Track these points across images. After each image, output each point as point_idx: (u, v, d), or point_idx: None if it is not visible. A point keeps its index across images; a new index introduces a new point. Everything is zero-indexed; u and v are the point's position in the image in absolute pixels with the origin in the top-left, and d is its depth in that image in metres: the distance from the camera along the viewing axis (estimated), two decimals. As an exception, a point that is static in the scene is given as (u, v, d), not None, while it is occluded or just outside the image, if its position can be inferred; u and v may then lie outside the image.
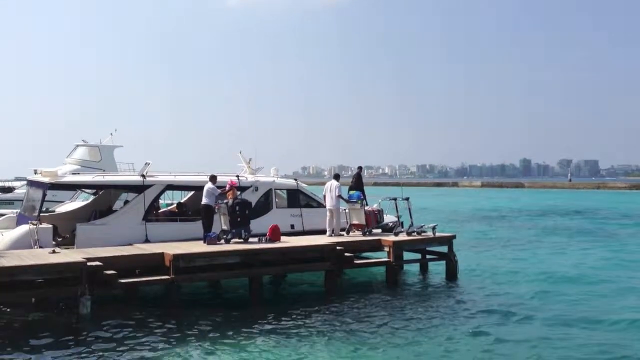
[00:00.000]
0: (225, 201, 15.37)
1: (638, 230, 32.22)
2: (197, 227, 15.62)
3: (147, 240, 15.16)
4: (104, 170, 22.04)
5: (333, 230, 16.88)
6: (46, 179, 15.47)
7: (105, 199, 17.91)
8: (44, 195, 15.27)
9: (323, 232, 17.24)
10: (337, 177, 17.84)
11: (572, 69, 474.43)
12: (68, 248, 14.39)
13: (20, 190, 26.68)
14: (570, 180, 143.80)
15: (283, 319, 12.21)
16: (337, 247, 15.07)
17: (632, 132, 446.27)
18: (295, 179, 19.40)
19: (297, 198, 18.07)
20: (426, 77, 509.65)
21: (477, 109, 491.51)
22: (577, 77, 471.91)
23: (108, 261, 12.41)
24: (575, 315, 12.75)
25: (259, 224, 15.95)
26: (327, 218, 17.01)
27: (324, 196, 17.20)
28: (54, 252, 12.84)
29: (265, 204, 17.53)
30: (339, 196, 16.95)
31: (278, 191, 18.05)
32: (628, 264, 20.18)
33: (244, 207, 15.32)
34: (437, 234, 17.28)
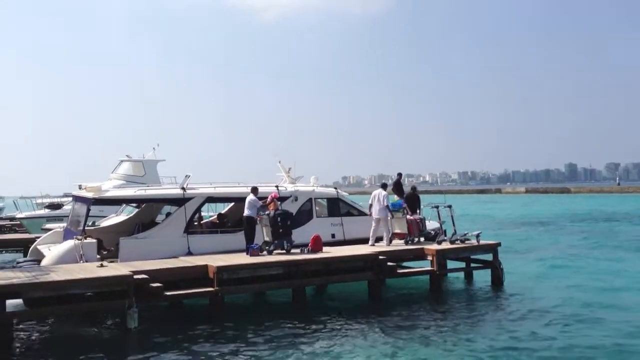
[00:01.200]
0: (267, 212, 15.45)
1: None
2: (238, 238, 15.74)
3: (189, 252, 15.35)
4: (147, 185, 22.48)
5: (377, 240, 16.73)
6: (90, 194, 15.86)
7: (147, 213, 18.26)
8: (88, 210, 15.64)
9: (364, 241, 17.12)
10: (384, 186, 17.64)
11: (618, 69, 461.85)
12: (112, 261, 14.70)
13: (69, 206, 27.45)
14: (619, 184, 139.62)
15: (326, 329, 12.16)
16: (380, 257, 14.95)
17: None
18: (335, 188, 19.37)
19: (337, 207, 18.03)
20: (465, 82, 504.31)
21: (519, 113, 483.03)
22: (622, 77, 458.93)
23: (154, 274, 12.59)
24: (628, 329, 12.24)
25: (299, 234, 15.97)
26: (372, 227, 16.83)
27: (370, 205, 17.03)
28: (101, 265, 13.12)
29: (305, 214, 17.55)
30: (387, 206, 16.77)
31: (318, 200, 18.05)
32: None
33: (285, 218, 15.36)
34: (482, 242, 16.97)
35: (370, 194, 17.49)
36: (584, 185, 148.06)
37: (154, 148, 31.12)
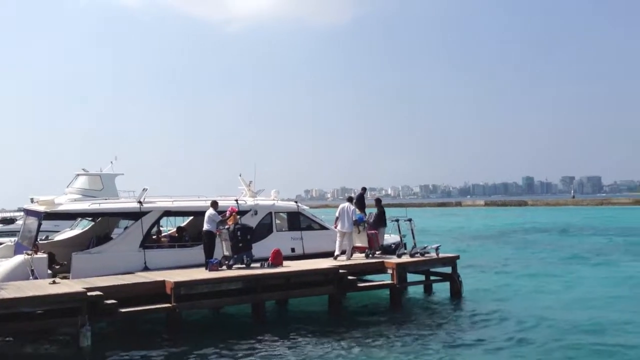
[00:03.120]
0: (226, 227, 15.27)
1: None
2: (196, 252, 15.51)
3: (145, 268, 15.04)
4: (106, 199, 21.99)
5: (342, 253, 16.71)
6: (42, 208, 15.40)
7: (102, 227, 17.83)
8: (40, 224, 15.19)
9: (325, 255, 17.10)
10: (350, 199, 17.70)
11: (573, 84, 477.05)
12: (65, 276, 14.28)
13: (22, 221, 26.63)
14: (573, 197, 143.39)
15: (287, 344, 12.05)
16: (340, 271, 14.92)
17: (634, 147, 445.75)
18: (296, 202, 19.31)
19: (297, 221, 17.95)
20: (427, 97, 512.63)
21: (478, 128, 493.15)
22: (578, 92, 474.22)
23: (108, 290, 12.26)
24: (580, 339, 12.46)
25: (259, 248, 15.82)
26: (338, 240, 16.84)
27: (337, 218, 17.02)
28: (54, 282, 12.72)
29: (265, 227, 17.42)
30: (355, 221, 16.88)
31: (279, 214, 17.96)
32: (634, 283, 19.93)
33: (245, 232, 15.21)
34: (441, 255, 17.13)
35: (333, 207, 17.50)
36: (541, 199, 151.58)
37: (111, 162, 30.45)
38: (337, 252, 16.73)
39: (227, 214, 15.49)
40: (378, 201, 19.06)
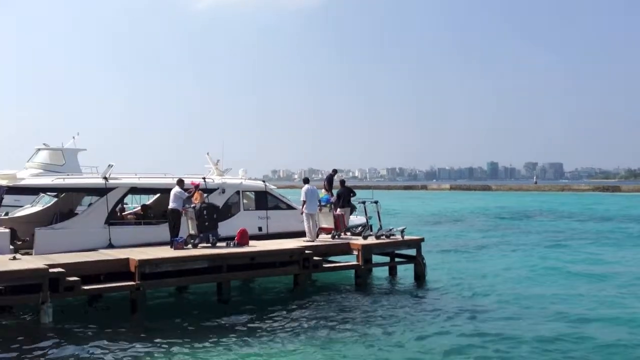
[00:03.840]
0: (192, 205, 15.16)
1: (596, 230, 32.98)
2: (162, 230, 15.39)
3: (110, 245, 14.89)
4: (67, 174, 21.56)
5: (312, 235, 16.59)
6: (4, 182, 15.05)
7: (66, 202, 17.52)
8: (1, 198, 14.85)
9: (292, 234, 17.17)
10: (307, 181, 17.60)
11: (538, 72, 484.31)
12: (27, 252, 14.01)
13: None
14: (536, 182, 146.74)
15: (251, 323, 12.10)
16: (306, 251, 15.01)
17: (595, 135, 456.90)
18: (264, 181, 19.31)
19: (265, 200, 17.95)
20: (395, 80, 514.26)
21: (445, 112, 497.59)
22: (542, 80, 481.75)
23: (71, 267, 12.10)
24: (537, 317, 12.89)
25: (226, 226, 15.80)
26: (308, 223, 16.58)
27: (303, 201, 16.75)
28: (14, 258, 12.47)
29: (232, 206, 17.40)
30: (303, 201, 16.72)
31: (246, 193, 17.91)
32: (586, 264, 20.58)
33: (211, 211, 15.13)
34: (406, 237, 17.35)
35: (300, 187, 17.50)
36: (505, 183, 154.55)
37: (73, 137, 29.83)
38: (308, 235, 16.49)
39: (192, 190, 15.35)
40: (342, 182, 19.17)
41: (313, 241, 16.18)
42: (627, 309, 13.65)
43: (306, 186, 17.03)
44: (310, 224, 16.57)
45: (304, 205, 16.71)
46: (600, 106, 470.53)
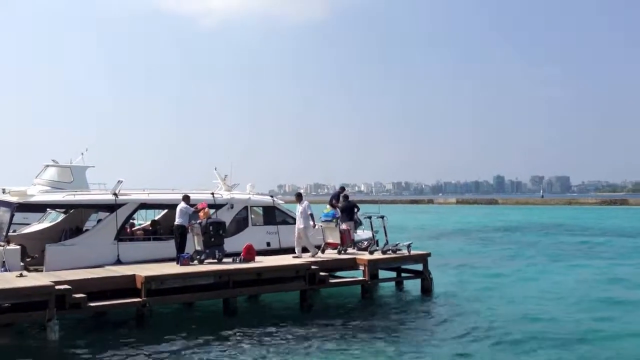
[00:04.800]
0: (198, 221, 15.19)
1: (606, 245, 32.77)
2: (170, 246, 15.42)
3: (118, 260, 14.93)
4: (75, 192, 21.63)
5: (302, 250, 16.43)
6: (14, 199, 15.14)
7: (75, 219, 17.60)
8: (12, 215, 14.94)
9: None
10: (299, 195, 17.37)
11: (544, 85, 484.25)
12: (37, 269, 14.06)
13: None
14: (542, 196, 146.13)
15: (258, 339, 12.06)
16: (312, 267, 14.98)
17: (601, 148, 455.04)
18: (272, 196, 19.35)
19: (273, 215, 17.98)
20: (401, 94, 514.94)
21: (451, 126, 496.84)
22: (547, 93, 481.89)
23: (77, 284, 12.12)
24: (545, 335, 12.74)
25: (235, 241, 15.86)
26: (295, 238, 16.51)
27: (311, 215, 16.68)
28: (21, 275, 12.51)
29: (241, 221, 17.43)
30: (310, 215, 16.60)
31: (254, 208, 17.95)
32: (602, 281, 20.41)
33: (217, 227, 15.16)
34: (412, 252, 17.30)
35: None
36: (511, 197, 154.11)
37: (82, 153, 29.92)
38: (297, 250, 16.29)
39: (199, 207, 15.40)
40: (346, 197, 19.14)
41: (297, 257, 16.04)
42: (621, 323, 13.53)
43: (306, 202, 16.92)
44: (296, 238, 16.48)
45: (307, 221, 16.51)
46: (607, 119, 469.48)
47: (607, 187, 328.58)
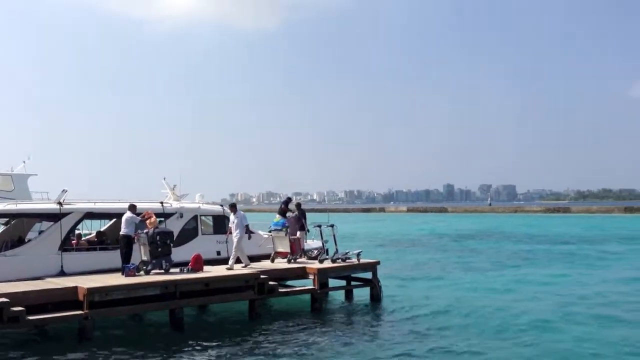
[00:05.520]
0: (145, 231, 14.89)
1: (549, 252, 33.84)
2: (117, 256, 15.05)
3: (62, 272, 14.52)
4: (17, 200, 20.91)
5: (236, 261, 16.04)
6: None
7: (17, 229, 16.98)
8: None
9: (251, 258, 17.03)
10: (233, 206, 16.97)
11: (492, 96, 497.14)
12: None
13: None
14: (490, 204, 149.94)
15: (205, 351, 11.88)
16: (261, 276, 14.89)
17: (546, 158, 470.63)
18: (222, 205, 19.17)
19: (223, 224, 17.81)
20: (352, 103, 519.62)
21: (401, 134, 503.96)
22: (496, 103, 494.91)
23: (15, 297, 11.67)
24: (489, 339, 13.06)
25: (185, 251, 15.68)
26: (234, 247, 16.10)
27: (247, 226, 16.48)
28: (-46, 289, 11.96)
29: (190, 231, 17.22)
30: (247, 226, 16.32)
31: (204, 217, 17.76)
32: (536, 284, 21.05)
33: (165, 237, 14.90)
34: (362, 261, 17.42)
35: (258, 211, 17.42)
36: (460, 205, 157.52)
37: (24, 161, 29.05)
38: (230, 262, 15.88)
39: (144, 216, 15.09)
40: (298, 206, 19.19)
41: (232, 268, 15.67)
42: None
43: (241, 212, 16.65)
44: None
45: (242, 231, 16.20)
46: (552, 129, 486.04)
47: (551, 195, 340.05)
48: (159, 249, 14.68)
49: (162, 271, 14.60)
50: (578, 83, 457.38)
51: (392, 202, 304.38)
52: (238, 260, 16.12)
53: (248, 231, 16.50)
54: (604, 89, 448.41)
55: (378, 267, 17.51)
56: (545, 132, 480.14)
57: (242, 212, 16.66)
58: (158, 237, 14.72)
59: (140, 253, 14.92)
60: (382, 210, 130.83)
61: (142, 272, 14.39)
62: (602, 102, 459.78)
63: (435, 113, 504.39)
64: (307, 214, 18.57)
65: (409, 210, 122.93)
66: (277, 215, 18.35)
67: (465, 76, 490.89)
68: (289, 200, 19.92)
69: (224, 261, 16.79)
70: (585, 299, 17.94)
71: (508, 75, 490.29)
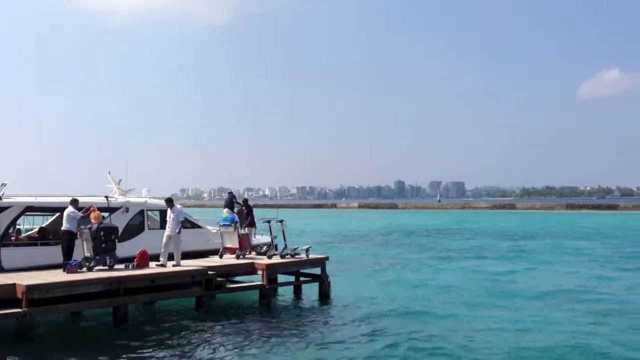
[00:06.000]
0: (88, 226, 14.47)
1: (491, 247, 34.77)
2: (59, 252, 14.54)
3: (0, 268, 13.94)
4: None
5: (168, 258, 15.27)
6: None
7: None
8: None
9: (198, 254, 16.87)
10: (170, 201, 16.22)
11: (441, 94, 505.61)
12: None
13: None
14: (439, 201, 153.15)
15: (150, 350, 11.63)
16: (209, 272, 14.72)
17: (492, 155, 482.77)
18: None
19: None
20: (305, 99, 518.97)
21: (354, 131, 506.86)
22: (446, 101, 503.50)
23: (-53, 295, 11.16)
24: (436, 332, 13.32)
25: (130, 246, 15.32)
26: (163, 244, 15.45)
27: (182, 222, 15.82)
28: None
29: (136, 226, 16.85)
30: (182, 221, 15.69)
31: (150, 212, 17.40)
32: (488, 281, 21.60)
33: (109, 232, 14.50)
34: (311, 256, 17.45)
35: (210, 206, 17.21)
36: (411, 202, 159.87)
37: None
38: (161, 258, 15.24)
39: (86, 211, 14.68)
40: (245, 201, 19.15)
41: (164, 265, 14.97)
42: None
43: (179, 207, 16.06)
44: (164, 243, 15.47)
45: (177, 227, 15.49)
46: (500, 129, 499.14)
47: (498, 192, 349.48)
48: (103, 245, 14.28)
49: (106, 267, 14.23)
50: (527, 84, 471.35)
51: (343, 198, 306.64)
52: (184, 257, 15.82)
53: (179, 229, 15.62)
54: (552, 90, 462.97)
55: (327, 263, 17.59)
56: (494, 132, 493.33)
57: (179, 207, 16.04)
58: (102, 233, 14.32)
59: (83, 249, 14.50)
60: (333, 206, 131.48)
61: (84, 269, 13.99)
62: (550, 103, 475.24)
63: (388, 111, 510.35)
64: (256, 210, 18.50)
65: (360, 207, 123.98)
66: (225, 210, 18.17)
67: (417, 76, 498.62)
68: (231, 194, 19.83)
69: (171, 257, 16.51)
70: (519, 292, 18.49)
71: (459, 75, 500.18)
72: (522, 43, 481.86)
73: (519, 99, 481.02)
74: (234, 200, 19.36)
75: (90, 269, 14.00)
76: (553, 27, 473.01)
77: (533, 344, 12.19)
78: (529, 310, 15.73)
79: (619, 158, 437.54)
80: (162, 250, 15.42)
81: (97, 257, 14.20)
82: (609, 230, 49.58)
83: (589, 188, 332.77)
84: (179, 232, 15.52)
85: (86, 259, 14.24)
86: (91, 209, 14.70)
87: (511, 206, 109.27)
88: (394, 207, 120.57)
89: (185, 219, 17.91)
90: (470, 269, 24.51)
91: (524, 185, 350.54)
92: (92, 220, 14.52)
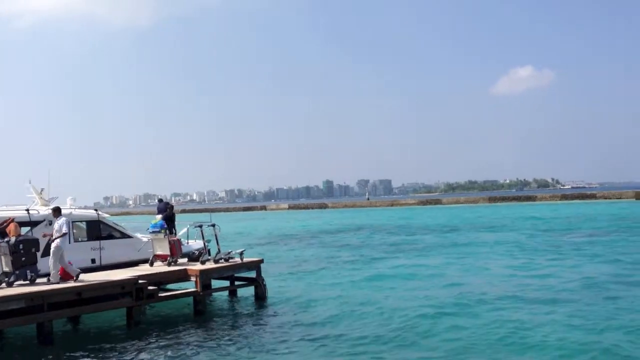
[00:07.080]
0: (6, 239, 13.58)
1: (421, 242, 35.59)
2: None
3: None
4: None
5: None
6: None
7: None
8: None
9: (128, 264, 16.32)
10: (57, 210, 14.42)
11: (368, 92, 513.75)
12: None
13: None
14: (368, 199, 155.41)
15: (78, 366, 11.04)
16: (139, 281, 14.16)
17: (418, 152, 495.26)
18: (96, 209, 18.06)
19: (98, 229, 16.79)
20: (231, 101, 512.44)
21: (280, 133, 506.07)
22: (376, 102, 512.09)
23: None
24: (370, 332, 13.38)
25: None
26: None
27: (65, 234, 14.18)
28: None
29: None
30: (64, 234, 13.91)
31: (76, 223, 16.61)
32: (425, 277, 22.02)
33: (29, 245, 13.67)
34: (245, 259, 17.16)
35: (136, 214, 16.68)
36: (340, 201, 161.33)
37: None
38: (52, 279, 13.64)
39: (4, 223, 13.79)
40: (171, 208, 18.81)
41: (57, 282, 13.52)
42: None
43: (64, 218, 14.31)
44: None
45: (63, 240, 13.91)
46: (422, 126, 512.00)
47: (423, 188, 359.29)
48: (23, 259, 13.46)
49: (27, 282, 13.40)
50: (445, 82, 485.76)
51: (273, 200, 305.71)
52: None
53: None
54: (469, 87, 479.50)
55: (262, 265, 17.34)
56: (417, 129, 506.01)
57: (65, 219, 14.26)
58: (21, 246, 13.49)
59: (1, 264, 13.59)
60: (263, 208, 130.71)
61: (3, 285, 13.11)
62: (467, 100, 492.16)
63: (314, 110, 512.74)
64: (187, 215, 18.01)
65: (290, 208, 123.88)
66: (157, 216, 17.64)
67: (342, 71, 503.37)
68: (160, 201, 19.39)
69: (100, 269, 15.88)
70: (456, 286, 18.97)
71: (377, 75, 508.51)
72: (438, 42, 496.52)
73: (438, 96, 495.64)
74: (169, 207, 18.95)
75: (9, 285, 13.15)
76: (466, 26, 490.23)
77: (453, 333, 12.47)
78: (450, 298, 16.13)
79: (536, 151, 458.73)
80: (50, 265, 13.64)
81: (17, 272, 13.36)
82: (529, 221, 51.94)
83: (508, 181, 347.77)
84: (58, 246, 13.72)
85: (5, 274, 13.38)
86: (8, 221, 13.82)
87: (437, 201, 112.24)
88: (323, 206, 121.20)
89: (114, 228, 17.29)
90: (402, 265, 24.90)
91: (448, 180, 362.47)
92: (10, 234, 13.67)
